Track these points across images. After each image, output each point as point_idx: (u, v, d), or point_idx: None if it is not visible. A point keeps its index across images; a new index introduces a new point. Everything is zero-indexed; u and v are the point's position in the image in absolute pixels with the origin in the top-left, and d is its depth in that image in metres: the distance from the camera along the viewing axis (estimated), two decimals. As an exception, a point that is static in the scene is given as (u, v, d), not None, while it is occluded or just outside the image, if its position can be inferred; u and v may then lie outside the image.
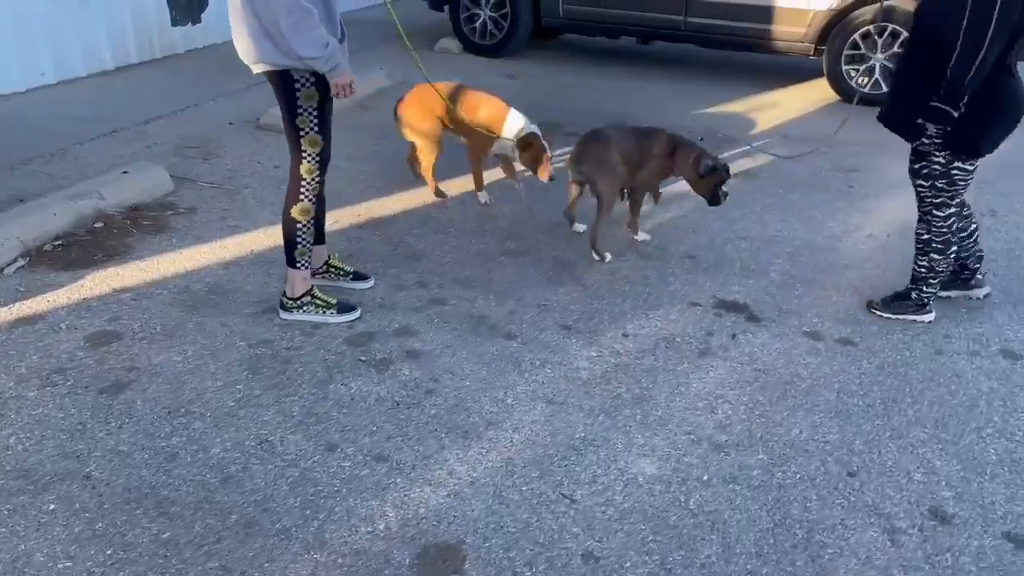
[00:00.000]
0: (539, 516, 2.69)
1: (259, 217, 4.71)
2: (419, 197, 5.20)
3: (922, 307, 4.03)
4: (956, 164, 3.66)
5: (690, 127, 6.95)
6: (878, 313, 4.05)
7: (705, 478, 2.93)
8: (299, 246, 3.61)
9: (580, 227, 4.78)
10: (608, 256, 4.47)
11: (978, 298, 4.26)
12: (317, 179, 3.52)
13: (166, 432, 2.95)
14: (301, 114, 3.38)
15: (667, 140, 4.45)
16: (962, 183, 3.71)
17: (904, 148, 3.81)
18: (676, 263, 4.54)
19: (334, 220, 4.76)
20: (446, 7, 9.29)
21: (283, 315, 3.70)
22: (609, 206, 4.37)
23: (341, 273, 4.00)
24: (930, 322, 4.01)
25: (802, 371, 3.60)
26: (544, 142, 4.74)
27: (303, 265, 3.65)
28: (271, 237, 4.49)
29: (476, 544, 2.56)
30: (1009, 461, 3.11)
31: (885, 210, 5.43)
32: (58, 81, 7.24)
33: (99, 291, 3.82)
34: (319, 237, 3.93)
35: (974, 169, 3.70)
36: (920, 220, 3.91)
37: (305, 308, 3.69)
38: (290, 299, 3.68)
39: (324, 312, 3.70)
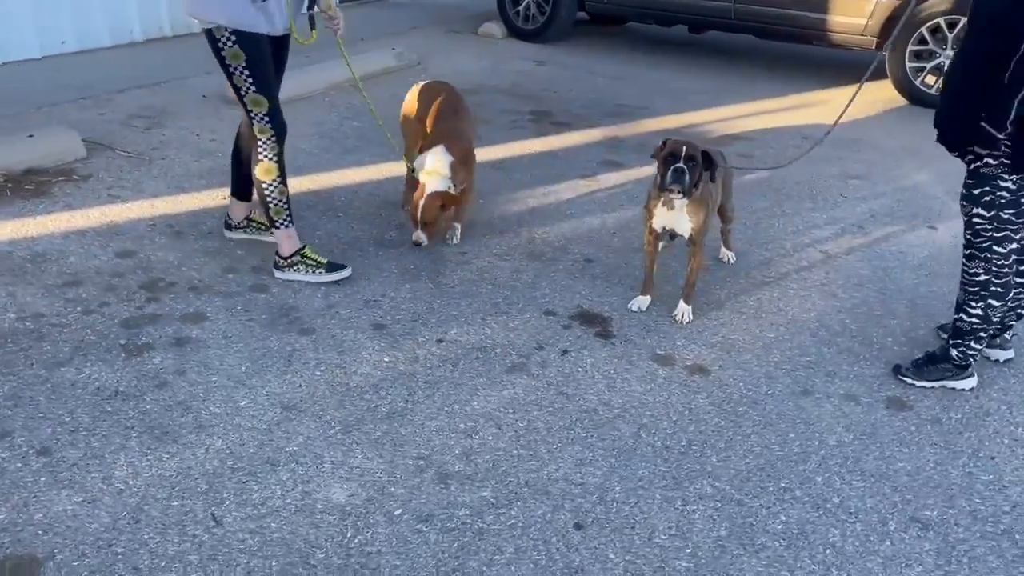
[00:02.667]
0: (163, 538, 2.34)
1: (148, 189, 4.54)
2: (331, 179, 4.90)
3: (964, 369, 3.24)
4: None
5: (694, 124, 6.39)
6: (909, 381, 3.28)
7: (398, 513, 2.50)
8: (272, 205, 3.60)
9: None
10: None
11: (997, 360, 3.48)
12: (272, 138, 3.49)
13: None
14: (234, 73, 3.35)
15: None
16: None
17: (941, 158, 3.12)
18: (565, 267, 4.05)
19: (223, 196, 4.53)
20: (494, -11, 8.97)
21: (277, 274, 3.73)
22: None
23: (263, 228, 3.97)
24: (972, 389, 3.28)
25: (616, 399, 3.08)
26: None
27: (283, 224, 3.65)
28: (144, 209, 4.33)
29: (63, 562, 2.25)
30: (794, 533, 2.52)
31: (866, 226, 4.71)
32: (80, 50, 7.33)
33: (-79, 252, 3.72)
34: (244, 193, 3.90)
35: None
36: (973, 258, 3.11)
37: (296, 268, 3.70)
38: (282, 258, 3.70)
39: (314, 271, 3.71)
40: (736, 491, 2.69)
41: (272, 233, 3.73)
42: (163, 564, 2.27)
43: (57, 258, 3.78)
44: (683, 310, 3.66)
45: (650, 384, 3.20)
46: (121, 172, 4.75)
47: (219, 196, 4.54)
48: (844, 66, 8.30)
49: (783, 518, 2.59)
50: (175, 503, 2.48)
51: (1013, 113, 2.76)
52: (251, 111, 3.43)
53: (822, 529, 2.55)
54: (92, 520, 2.39)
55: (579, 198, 4.89)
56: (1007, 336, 3.45)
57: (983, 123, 2.83)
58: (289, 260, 3.72)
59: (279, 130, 3.51)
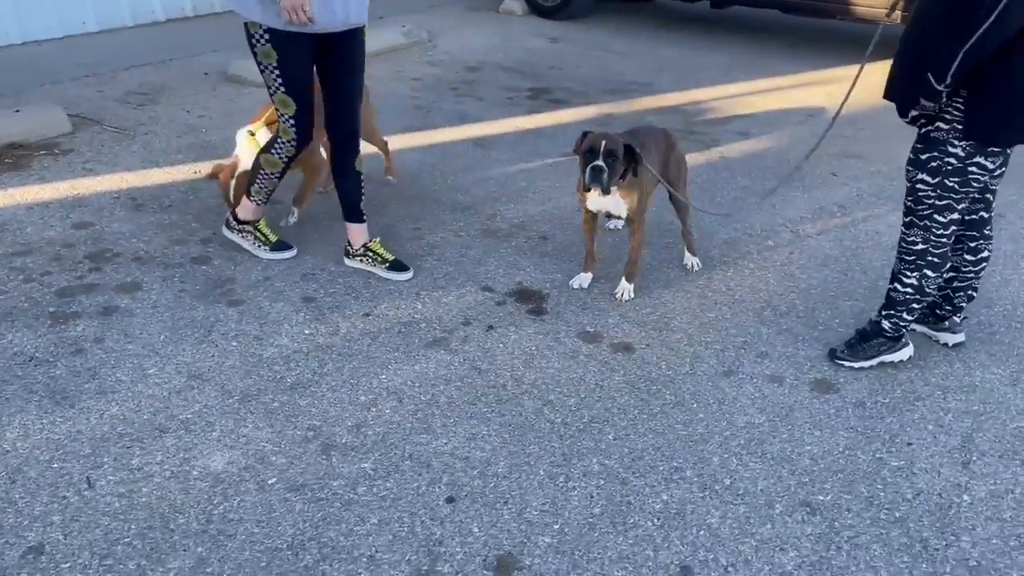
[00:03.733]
0: (33, 499, 2.41)
1: (124, 163, 4.64)
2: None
3: (897, 340, 3.17)
4: (977, 159, 2.82)
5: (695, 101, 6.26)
6: (847, 364, 3.18)
7: (271, 482, 2.51)
8: (256, 185, 3.61)
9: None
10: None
11: (946, 344, 3.35)
12: (292, 142, 3.43)
13: None
14: (264, 71, 3.31)
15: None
16: (976, 184, 2.87)
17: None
18: (518, 244, 4.01)
19: (195, 171, 4.60)
20: (516, -34, 8.89)
21: (224, 231, 3.78)
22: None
23: (379, 260, 3.71)
24: (909, 359, 3.19)
25: (529, 376, 3.04)
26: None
27: (256, 201, 3.66)
28: (113, 183, 4.43)
29: (-70, 518, 2.31)
30: (672, 513, 2.47)
31: (848, 206, 4.55)
32: (100, 30, 7.50)
33: None
34: (354, 215, 3.72)
35: (996, 168, 2.88)
36: (913, 226, 3.00)
37: (243, 234, 3.75)
38: (235, 220, 3.72)
39: (258, 245, 3.76)
40: (624, 469, 2.63)
41: (243, 199, 3.72)
42: (26, 523, 2.33)
43: (15, 229, 3.88)
44: (624, 288, 3.59)
45: (569, 361, 3.15)
46: (102, 147, 4.85)
47: (190, 171, 4.61)
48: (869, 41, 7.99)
49: (664, 498, 2.53)
50: (55, 465, 2.53)
51: (956, 64, 2.62)
52: (279, 111, 3.38)
53: (702, 510, 2.48)
54: (-30, 479, 2.45)
55: (554, 176, 4.83)
56: (957, 319, 3.30)
57: (928, 73, 2.70)
58: (241, 226, 3.74)
59: (300, 136, 3.43)
